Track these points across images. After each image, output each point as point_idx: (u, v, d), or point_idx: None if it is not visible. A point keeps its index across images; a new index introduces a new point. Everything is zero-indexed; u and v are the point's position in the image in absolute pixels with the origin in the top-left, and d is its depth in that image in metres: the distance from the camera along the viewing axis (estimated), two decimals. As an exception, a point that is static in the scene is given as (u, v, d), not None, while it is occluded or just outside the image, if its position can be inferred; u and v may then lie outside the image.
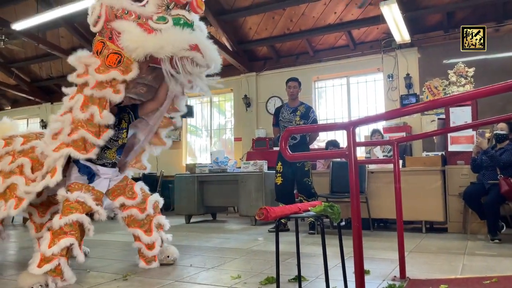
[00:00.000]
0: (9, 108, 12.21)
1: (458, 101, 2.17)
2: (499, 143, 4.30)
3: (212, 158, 6.63)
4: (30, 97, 11.20)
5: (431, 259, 3.27)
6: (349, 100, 8.19)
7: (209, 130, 9.66)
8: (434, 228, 5.07)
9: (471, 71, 6.83)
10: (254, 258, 3.47)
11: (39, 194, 2.93)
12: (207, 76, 2.95)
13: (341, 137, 7.18)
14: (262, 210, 1.98)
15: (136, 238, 3.16)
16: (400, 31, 6.54)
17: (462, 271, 2.83)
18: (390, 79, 7.44)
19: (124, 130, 3.12)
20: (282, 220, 2.23)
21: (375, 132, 6.02)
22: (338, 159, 5.28)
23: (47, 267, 2.55)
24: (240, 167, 6.31)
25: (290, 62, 8.50)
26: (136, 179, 3.40)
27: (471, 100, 4.81)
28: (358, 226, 1.58)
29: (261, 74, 8.79)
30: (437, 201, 4.71)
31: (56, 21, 7.71)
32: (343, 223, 5.48)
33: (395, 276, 2.63)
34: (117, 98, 2.71)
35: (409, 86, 7.28)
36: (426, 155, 5.51)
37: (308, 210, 2.17)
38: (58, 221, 2.66)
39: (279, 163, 5.02)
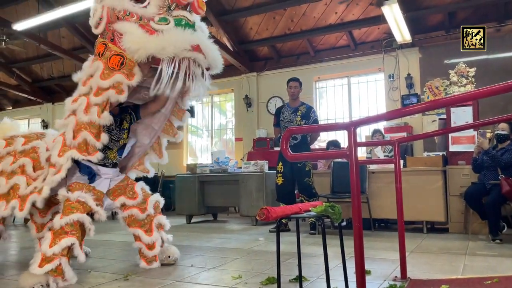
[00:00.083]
0: (10, 108, 12.24)
1: (459, 101, 2.17)
2: (500, 143, 4.30)
3: (213, 158, 6.63)
4: (31, 97, 11.23)
5: (432, 259, 3.27)
6: (350, 100, 8.19)
7: (210, 130, 9.66)
8: (435, 228, 5.06)
9: (472, 71, 6.82)
10: (255, 258, 3.46)
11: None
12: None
13: (342, 137, 7.18)
14: (263, 210, 1.98)
15: (137, 238, 3.17)
16: (401, 31, 6.53)
17: (463, 272, 2.83)
18: (391, 79, 7.44)
19: (126, 131, 3.13)
20: (283, 220, 2.23)
21: (376, 132, 6.02)
22: (339, 159, 5.27)
23: (48, 267, 2.55)
24: (241, 167, 6.31)
25: (291, 62, 8.51)
26: (137, 179, 3.40)
27: (472, 100, 4.80)
28: (359, 226, 1.58)
29: (262, 74, 8.79)
30: (438, 201, 4.70)
31: (57, 22, 7.72)
32: (344, 223, 5.48)
33: (396, 276, 2.63)
34: (121, 98, 2.70)
35: (410, 86, 7.28)
36: (427, 155, 5.50)
37: (309, 210, 2.17)
38: (59, 221, 2.66)
39: (280, 163, 5.02)
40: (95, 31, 2.85)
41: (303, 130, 5.00)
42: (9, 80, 10.92)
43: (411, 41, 6.96)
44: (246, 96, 8.76)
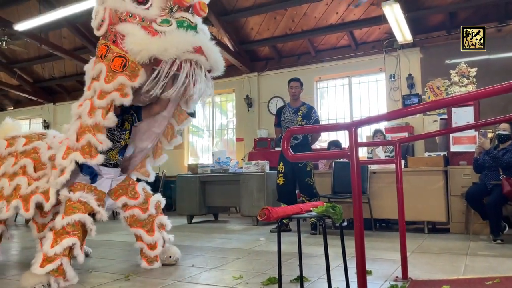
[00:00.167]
0: (12, 108, 12.26)
1: (460, 101, 2.17)
2: (501, 143, 4.30)
3: (214, 158, 6.63)
4: (32, 98, 11.25)
5: (433, 259, 3.27)
6: (351, 100, 8.19)
7: (211, 130, 9.66)
8: (436, 228, 5.06)
9: (473, 71, 6.82)
10: (256, 258, 3.47)
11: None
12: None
13: (343, 137, 7.18)
14: (264, 210, 1.98)
15: (138, 238, 3.17)
16: (402, 31, 6.53)
17: (464, 272, 2.83)
18: (392, 79, 7.44)
19: (127, 132, 3.13)
20: (284, 221, 2.23)
21: (377, 132, 6.02)
22: (340, 159, 5.28)
23: (50, 267, 2.55)
24: (242, 167, 6.31)
25: (292, 62, 8.51)
26: (138, 179, 3.40)
27: (473, 101, 4.80)
28: (360, 226, 1.58)
29: (263, 74, 8.79)
30: (439, 202, 4.70)
31: (58, 22, 7.73)
32: (345, 223, 5.48)
33: (397, 277, 2.63)
34: (125, 101, 2.70)
35: (411, 86, 7.28)
36: (428, 155, 5.50)
37: (310, 211, 2.17)
38: (60, 221, 2.66)
39: (281, 163, 5.02)
40: (97, 33, 2.85)
41: (304, 130, 5.00)
42: (10, 80, 10.94)
43: (412, 41, 6.96)
44: (247, 96, 8.76)
